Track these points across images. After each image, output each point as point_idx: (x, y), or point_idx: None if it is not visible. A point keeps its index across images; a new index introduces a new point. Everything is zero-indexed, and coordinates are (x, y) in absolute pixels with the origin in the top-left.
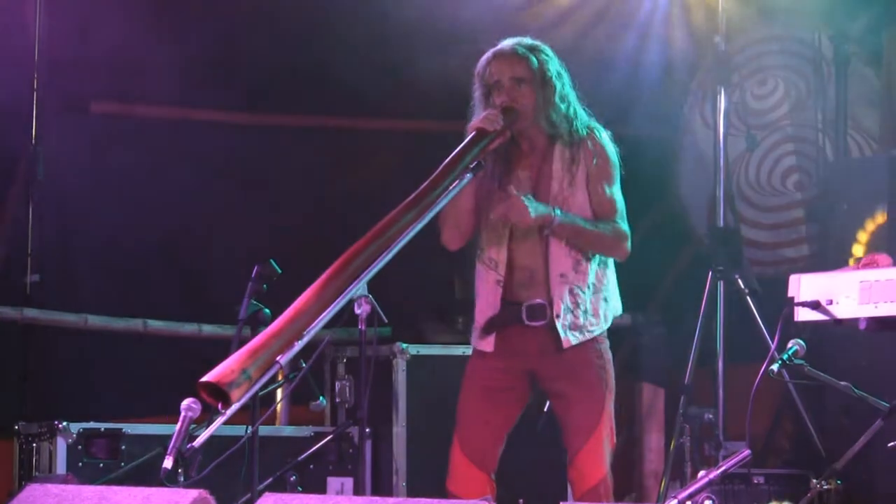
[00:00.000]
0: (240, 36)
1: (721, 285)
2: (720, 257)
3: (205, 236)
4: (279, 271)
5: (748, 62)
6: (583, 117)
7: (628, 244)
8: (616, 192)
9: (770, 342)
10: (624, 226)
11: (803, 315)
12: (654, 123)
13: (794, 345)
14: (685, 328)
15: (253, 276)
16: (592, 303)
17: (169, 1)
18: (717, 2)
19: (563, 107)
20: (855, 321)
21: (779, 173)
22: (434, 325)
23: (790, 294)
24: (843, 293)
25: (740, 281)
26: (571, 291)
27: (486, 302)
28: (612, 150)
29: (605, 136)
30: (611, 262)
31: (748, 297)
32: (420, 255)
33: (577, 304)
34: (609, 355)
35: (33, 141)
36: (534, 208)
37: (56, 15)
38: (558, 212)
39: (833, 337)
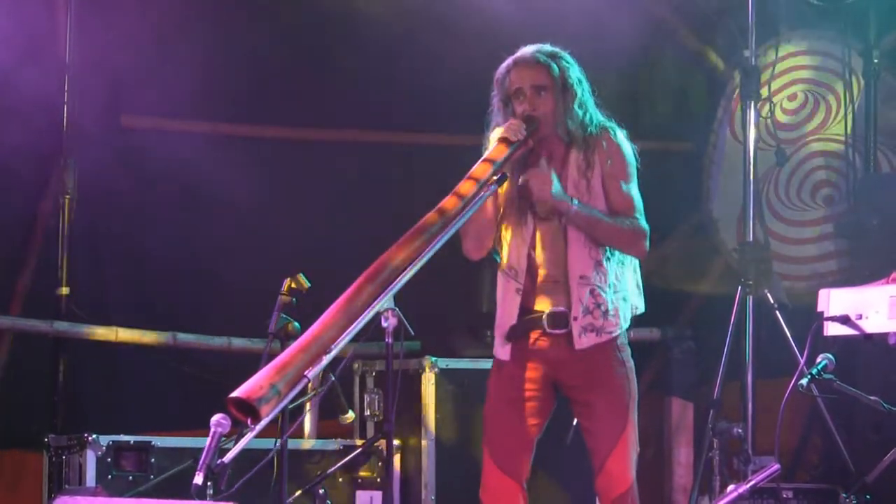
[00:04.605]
0: (273, 49)
1: (750, 300)
2: (749, 272)
3: (235, 249)
4: (308, 285)
5: (778, 76)
6: (597, 119)
7: (647, 242)
8: (633, 188)
9: (799, 357)
10: (643, 222)
11: (833, 330)
12: (684, 137)
13: (824, 359)
14: (714, 343)
15: (282, 289)
16: (613, 303)
17: (197, 14)
18: (748, 16)
19: (580, 113)
20: (884, 336)
21: (808, 188)
22: (463, 339)
23: (820, 309)
24: (872, 308)
25: (770, 295)
26: (592, 292)
27: (506, 311)
28: (627, 147)
29: (619, 135)
30: (631, 261)
31: (777, 312)
32: (449, 268)
33: (597, 305)
34: (631, 363)
35: (64, 154)
36: (557, 187)
37: (87, 27)
38: (576, 201)
39: (862, 352)
